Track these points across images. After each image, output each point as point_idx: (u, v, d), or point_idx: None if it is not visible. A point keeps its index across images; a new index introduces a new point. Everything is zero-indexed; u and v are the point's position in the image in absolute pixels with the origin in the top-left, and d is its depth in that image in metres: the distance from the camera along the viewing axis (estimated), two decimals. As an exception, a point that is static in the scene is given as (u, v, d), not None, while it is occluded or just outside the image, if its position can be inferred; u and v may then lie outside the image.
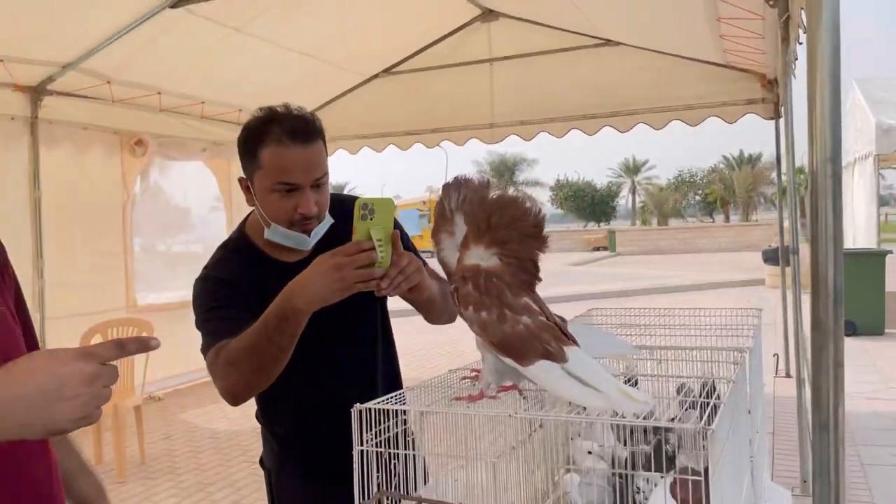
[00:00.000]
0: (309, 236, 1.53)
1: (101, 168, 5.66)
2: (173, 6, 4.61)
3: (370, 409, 0.95)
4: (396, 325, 1.77)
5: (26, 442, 0.94)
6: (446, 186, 1.00)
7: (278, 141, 1.46)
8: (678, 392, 1.24)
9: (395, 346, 1.80)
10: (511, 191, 0.99)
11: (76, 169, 5.44)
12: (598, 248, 32.73)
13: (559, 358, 0.90)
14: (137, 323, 4.61)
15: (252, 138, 1.50)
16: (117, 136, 5.73)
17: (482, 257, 0.95)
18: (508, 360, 0.91)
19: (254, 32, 5.24)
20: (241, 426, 5.27)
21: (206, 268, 1.61)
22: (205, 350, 1.49)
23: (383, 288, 1.30)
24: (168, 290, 6.24)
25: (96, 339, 4.51)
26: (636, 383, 1.15)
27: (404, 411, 0.99)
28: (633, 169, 59.05)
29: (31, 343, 1.13)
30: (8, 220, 4.94)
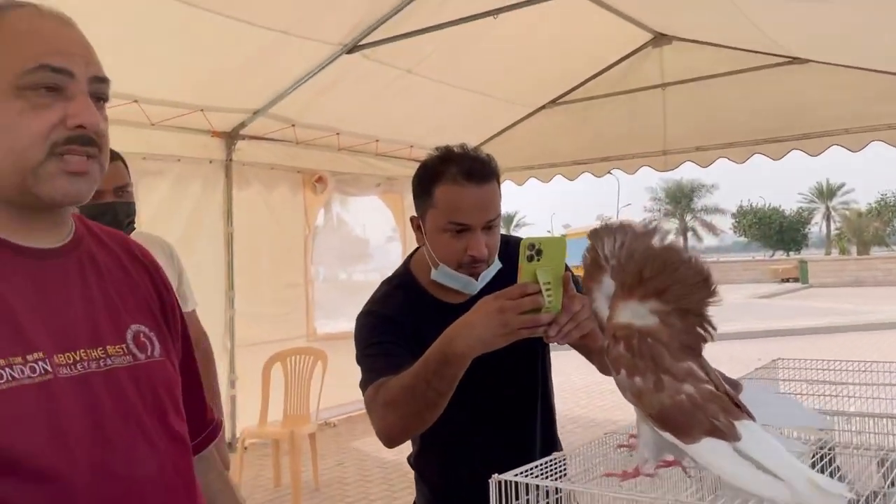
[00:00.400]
0: (476, 279, 1.50)
1: (285, 204, 6.07)
2: (349, 52, 4.88)
3: (509, 482, 0.87)
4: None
5: (174, 486, 0.97)
6: (598, 232, 0.91)
7: (453, 180, 1.45)
8: (879, 465, 1.05)
9: (553, 399, 1.71)
10: (673, 235, 0.87)
11: (264, 206, 5.87)
12: (786, 280, 30.31)
13: (729, 435, 0.77)
14: (313, 352, 4.84)
15: (427, 177, 1.50)
16: (300, 174, 6.13)
17: (636, 313, 0.85)
18: (668, 435, 0.80)
19: (424, 73, 5.42)
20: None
21: (369, 302, 1.61)
22: (363, 386, 1.48)
23: (551, 335, 1.21)
24: (345, 318, 6.55)
25: (276, 368, 4.79)
26: (832, 460, 0.98)
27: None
28: (827, 193, 54.37)
29: (193, 386, 1.16)
30: (206, 255, 5.41)
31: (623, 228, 0.88)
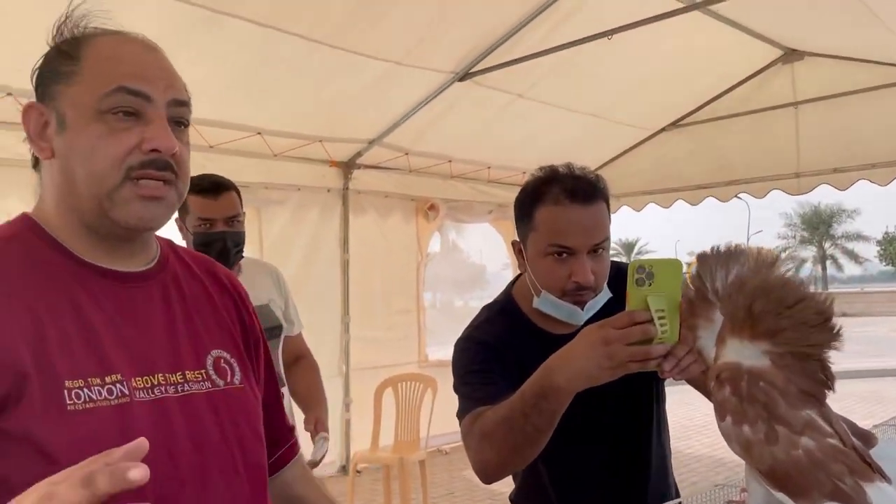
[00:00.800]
0: (582, 309, 1.39)
1: (398, 232, 6.15)
2: (461, 79, 4.90)
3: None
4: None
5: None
6: (707, 259, 0.79)
7: (556, 200, 1.37)
8: None
9: (668, 437, 1.57)
10: (791, 269, 0.75)
11: (378, 233, 5.97)
12: (941, 313, 27.60)
13: (857, 501, 0.65)
14: (423, 379, 4.82)
15: (529, 197, 1.42)
16: (413, 202, 6.20)
17: (745, 353, 0.73)
18: (781, 496, 0.68)
19: (536, 97, 5.37)
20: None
21: (469, 328, 1.54)
22: (460, 415, 1.41)
23: (667, 370, 1.06)
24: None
25: (388, 392, 4.81)
26: None
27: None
28: None
29: (275, 404, 1.16)
30: (323, 280, 5.57)
31: (735, 256, 0.77)
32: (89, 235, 0.92)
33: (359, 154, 5.57)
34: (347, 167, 5.64)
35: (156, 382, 0.90)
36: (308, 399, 2.36)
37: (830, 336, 0.71)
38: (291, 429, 1.20)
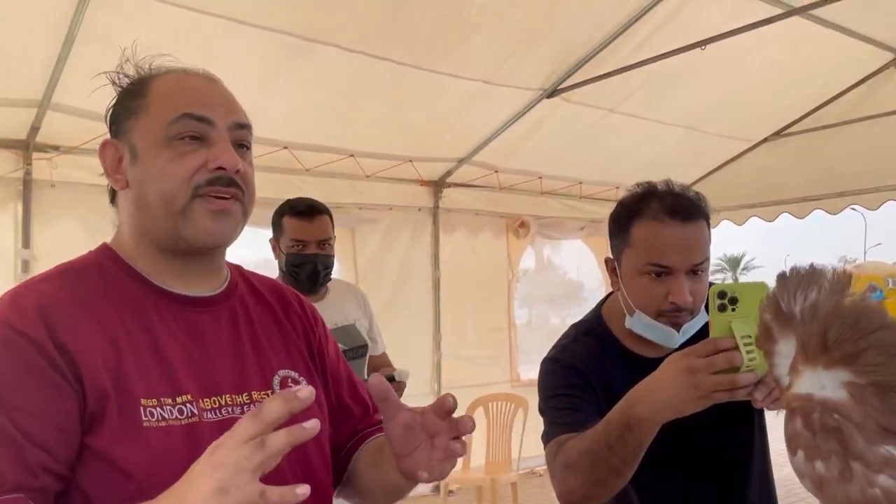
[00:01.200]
0: (678, 331, 1.34)
1: (489, 249, 6.15)
2: (549, 96, 4.88)
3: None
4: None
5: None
6: (786, 280, 0.75)
7: (654, 217, 1.33)
8: None
9: (771, 470, 1.48)
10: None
11: (468, 251, 5.99)
12: None
13: (940, 548, 0.59)
14: (514, 398, 4.79)
15: (625, 214, 1.39)
16: (503, 219, 6.19)
17: (820, 384, 0.69)
18: (859, 538, 0.63)
19: (628, 111, 5.27)
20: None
21: (555, 347, 1.51)
22: (545, 439, 1.39)
23: (758, 399, 1.03)
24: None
25: (479, 412, 4.80)
26: None
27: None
28: None
29: (357, 387, 1.20)
30: (415, 299, 5.65)
31: (815, 277, 0.72)
32: (163, 260, 0.99)
33: (448, 173, 5.63)
34: (438, 186, 5.70)
35: (223, 403, 0.94)
36: None
37: None
38: (367, 409, 1.20)
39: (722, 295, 1.03)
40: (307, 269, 2.12)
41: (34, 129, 3.83)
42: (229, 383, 0.96)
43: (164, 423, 0.88)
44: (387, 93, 4.46)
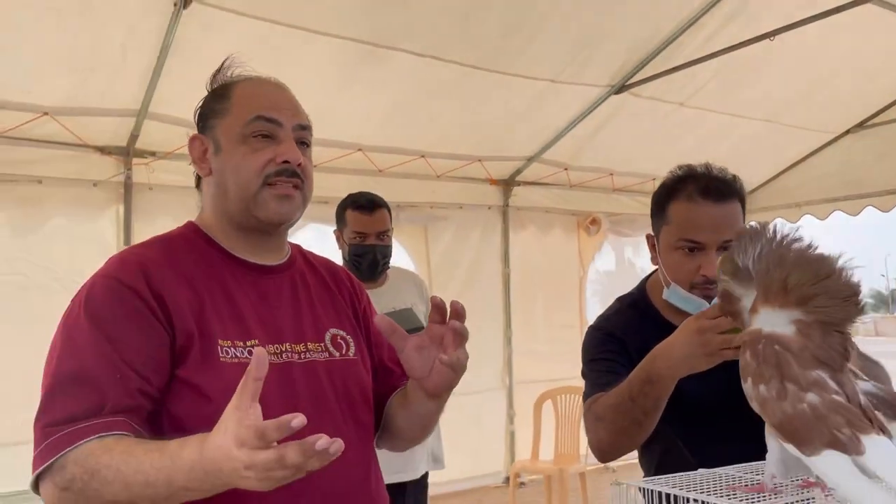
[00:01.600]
0: (709, 303, 1.44)
1: (559, 247, 6.21)
2: (617, 92, 4.92)
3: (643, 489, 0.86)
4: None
5: (352, 461, 1.12)
6: (740, 236, 0.86)
7: (689, 197, 1.47)
8: None
9: None
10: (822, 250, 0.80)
11: (538, 248, 6.07)
12: None
13: (851, 449, 0.69)
14: (578, 391, 4.84)
15: (664, 193, 1.55)
16: (574, 217, 6.24)
17: (774, 322, 0.79)
18: (790, 447, 0.73)
19: (699, 105, 5.24)
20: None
21: (599, 317, 1.66)
22: (584, 399, 1.53)
23: None
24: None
25: (547, 405, 4.89)
26: None
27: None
28: None
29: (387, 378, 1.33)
30: (486, 295, 5.77)
31: (764, 233, 0.83)
32: (237, 234, 1.20)
33: (518, 171, 5.74)
34: (507, 185, 5.82)
35: (283, 349, 1.14)
36: None
37: (856, 310, 0.75)
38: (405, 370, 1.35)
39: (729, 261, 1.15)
40: (368, 258, 2.31)
41: (133, 136, 4.19)
42: (290, 334, 1.15)
43: (235, 360, 1.07)
44: (456, 95, 4.61)
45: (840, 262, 0.77)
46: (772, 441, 0.78)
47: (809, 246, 0.79)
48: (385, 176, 5.09)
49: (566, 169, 5.76)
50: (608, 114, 5.13)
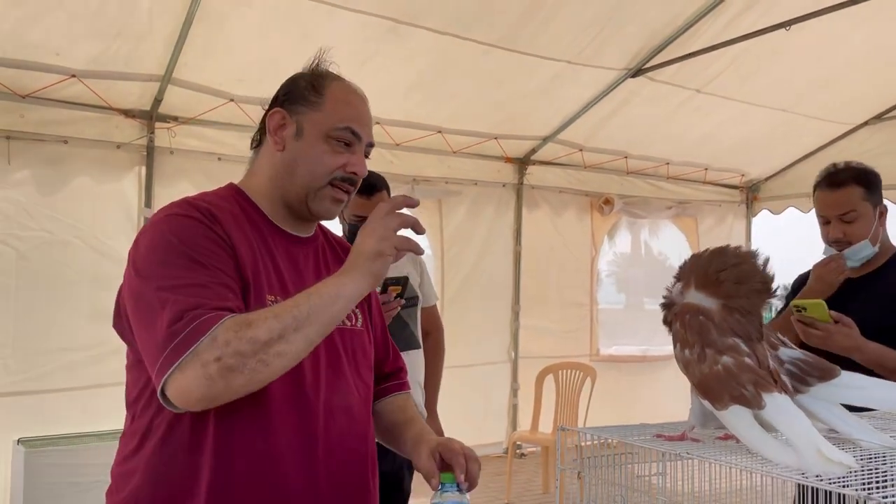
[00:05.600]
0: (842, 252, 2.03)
1: (572, 226, 6.28)
2: (634, 75, 4.96)
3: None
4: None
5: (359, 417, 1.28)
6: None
7: (819, 186, 2.06)
8: None
9: None
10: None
11: (551, 227, 6.16)
12: None
13: (753, 403, 0.79)
14: (583, 367, 4.97)
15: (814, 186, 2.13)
16: (588, 197, 6.30)
17: (701, 301, 0.91)
18: (706, 403, 0.84)
19: (715, 91, 5.26)
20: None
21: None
22: None
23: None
24: (629, 341, 6.57)
25: (548, 379, 5.01)
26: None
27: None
28: None
29: (388, 345, 1.52)
30: (496, 270, 5.90)
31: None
32: (281, 207, 1.33)
33: (533, 150, 5.81)
34: (522, 163, 5.90)
35: None
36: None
37: (769, 296, 0.87)
38: (398, 372, 1.53)
39: (798, 309, 1.84)
40: None
41: (157, 101, 4.32)
42: None
43: None
44: (474, 72, 4.68)
45: (759, 259, 0.89)
46: (693, 397, 0.89)
47: (737, 251, 0.92)
48: (402, 149, 5.19)
49: (581, 150, 5.82)
50: (624, 97, 5.18)
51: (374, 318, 1.47)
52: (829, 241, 2.02)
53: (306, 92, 1.31)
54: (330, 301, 1.09)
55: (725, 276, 0.89)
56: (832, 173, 2.04)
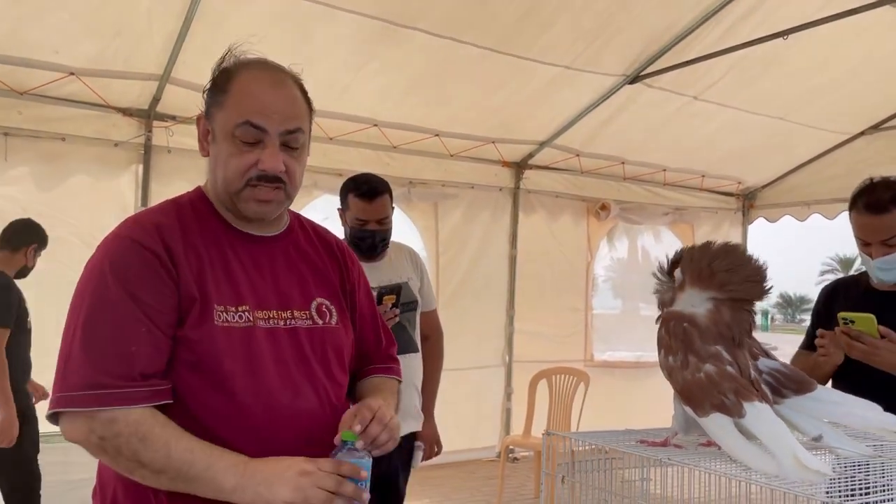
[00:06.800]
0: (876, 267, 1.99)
1: (568, 231, 6.28)
2: (631, 82, 4.97)
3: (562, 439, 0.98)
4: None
5: (326, 419, 1.25)
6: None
7: (857, 209, 1.97)
8: None
9: None
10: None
11: (547, 231, 6.16)
12: None
13: (734, 412, 0.80)
14: (576, 373, 4.96)
15: (849, 205, 2.05)
16: (584, 202, 6.31)
17: (693, 302, 0.91)
18: (688, 409, 0.85)
19: (712, 99, 5.28)
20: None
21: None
22: None
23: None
24: (625, 347, 6.57)
25: (542, 384, 5.01)
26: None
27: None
28: None
29: (378, 331, 1.49)
30: (491, 274, 5.89)
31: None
32: (232, 210, 1.29)
33: (530, 155, 5.82)
34: (519, 167, 5.90)
35: (271, 315, 1.25)
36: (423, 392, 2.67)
37: (763, 289, 0.87)
38: (387, 357, 1.50)
39: (845, 321, 1.83)
40: (367, 242, 2.45)
41: (155, 99, 4.32)
42: (276, 302, 1.26)
43: (227, 324, 1.19)
44: (472, 76, 4.69)
45: (751, 253, 0.89)
46: (676, 404, 0.89)
47: (727, 243, 0.92)
48: (399, 152, 5.20)
49: (578, 155, 5.83)
50: (621, 103, 5.19)
51: (361, 310, 1.43)
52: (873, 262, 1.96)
53: (214, 90, 1.25)
54: (212, 485, 1.10)
55: (718, 265, 0.89)
56: (872, 193, 1.92)
